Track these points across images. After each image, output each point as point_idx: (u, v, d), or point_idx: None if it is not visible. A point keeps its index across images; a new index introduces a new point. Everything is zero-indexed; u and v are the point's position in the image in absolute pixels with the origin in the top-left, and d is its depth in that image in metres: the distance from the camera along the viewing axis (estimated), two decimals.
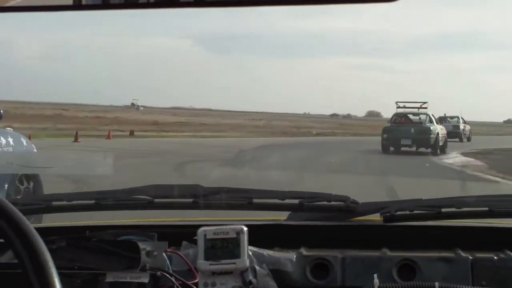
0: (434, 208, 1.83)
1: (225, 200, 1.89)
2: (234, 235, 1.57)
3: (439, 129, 24.35)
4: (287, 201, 1.88)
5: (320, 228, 1.88)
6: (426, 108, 25.90)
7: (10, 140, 7.04)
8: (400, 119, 24.89)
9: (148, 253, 1.59)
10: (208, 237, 1.58)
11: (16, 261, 1.02)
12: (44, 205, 1.93)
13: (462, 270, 1.64)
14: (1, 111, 7.27)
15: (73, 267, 1.57)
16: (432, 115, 25.45)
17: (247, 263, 1.57)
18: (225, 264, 1.56)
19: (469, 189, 11.21)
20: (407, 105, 26.12)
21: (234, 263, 1.56)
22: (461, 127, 35.12)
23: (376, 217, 1.86)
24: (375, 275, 1.56)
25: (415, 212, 1.83)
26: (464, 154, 23.56)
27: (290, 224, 1.91)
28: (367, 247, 1.74)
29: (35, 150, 7.64)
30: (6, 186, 6.68)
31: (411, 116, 25.32)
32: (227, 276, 1.56)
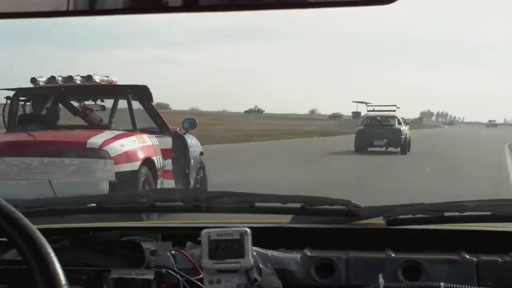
0: (437, 212, 1.83)
1: (227, 204, 1.90)
2: (238, 237, 1.57)
3: (407, 130, 25.50)
4: (289, 205, 1.88)
5: (323, 230, 1.88)
6: (395, 111, 26.77)
7: (194, 141, 9.15)
8: (372, 122, 25.78)
9: (153, 252, 1.60)
10: (212, 238, 1.58)
11: (19, 258, 1.02)
12: (46, 208, 1.92)
13: (467, 272, 1.64)
14: (196, 121, 9.11)
15: (78, 264, 1.57)
16: (402, 117, 26.30)
17: (252, 262, 1.57)
18: (230, 263, 1.56)
19: None
20: (376, 108, 26.97)
21: (239, 262, 1.56)
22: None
23: (379, 221, 1.87)
24: (380, 275, 1.57)
25: (418, 216, 1.84)
26: None
27: (293, 226, 1.91)
28: (371, 249, 1.74)
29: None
30: (194, 174, 8.86)
31: (381, 119, 26.15)
32: (232, 274, 1.57)
